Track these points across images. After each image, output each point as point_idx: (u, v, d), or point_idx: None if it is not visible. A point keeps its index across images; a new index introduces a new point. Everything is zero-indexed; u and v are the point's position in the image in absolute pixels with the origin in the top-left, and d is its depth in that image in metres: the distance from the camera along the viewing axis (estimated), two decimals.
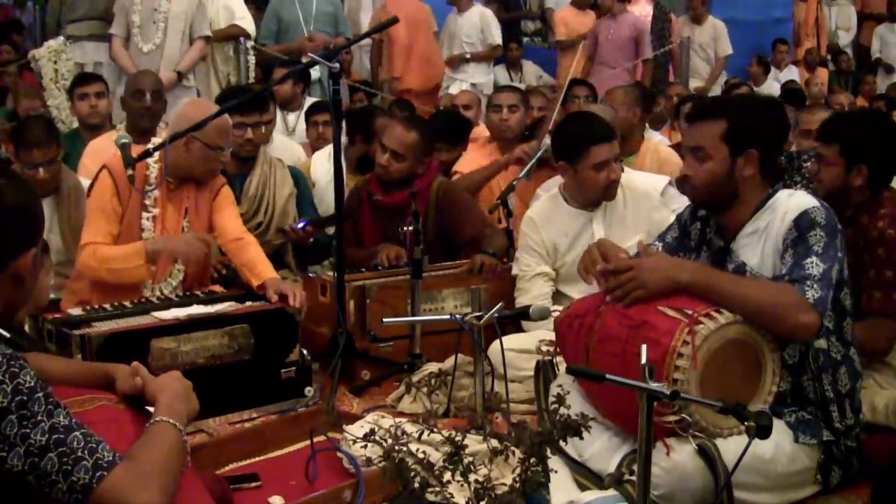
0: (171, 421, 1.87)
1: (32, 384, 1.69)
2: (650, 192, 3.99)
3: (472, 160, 5.26)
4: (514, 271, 3.98)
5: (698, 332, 2.49)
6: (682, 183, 2.95)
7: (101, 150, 4.72)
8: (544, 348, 3.20)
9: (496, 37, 8.39)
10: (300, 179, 4.73)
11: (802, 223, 2.65)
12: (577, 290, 3.67)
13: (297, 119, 6.30)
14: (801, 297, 2.55)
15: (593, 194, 3.86)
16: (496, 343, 3.05)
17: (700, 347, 2.48)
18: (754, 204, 2.79)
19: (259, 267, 3.71)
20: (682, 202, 4.29)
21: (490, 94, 6.05)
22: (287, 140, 5.65)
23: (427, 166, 4.37)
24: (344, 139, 4.62)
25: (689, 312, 2.54)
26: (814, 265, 2.59)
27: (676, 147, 5.62)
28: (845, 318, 2.79)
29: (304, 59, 6.65)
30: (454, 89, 8.00)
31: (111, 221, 3.71)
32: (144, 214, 3.77)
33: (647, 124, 5.51)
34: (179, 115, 3.84)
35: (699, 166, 2.81)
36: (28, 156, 4.45)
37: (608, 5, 8.51)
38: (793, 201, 2.73)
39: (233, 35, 6.66)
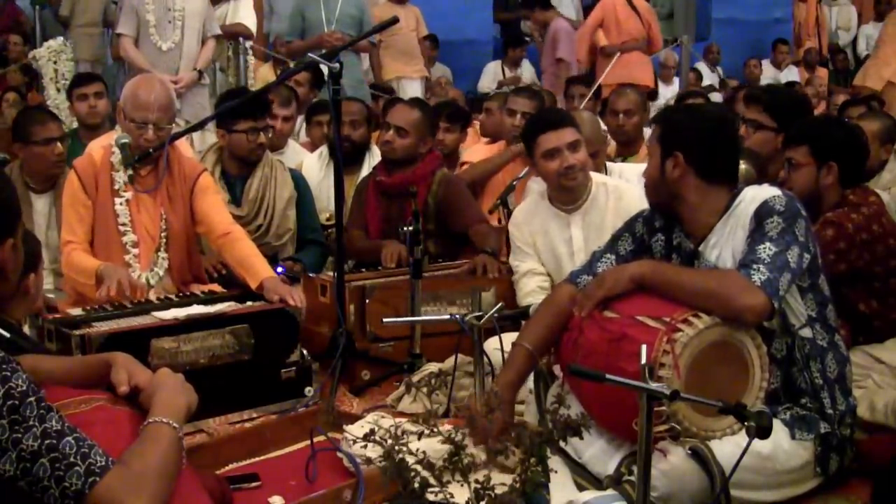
0: (166, 421, 1.85)
1: (24, 388, 1.67)
2: (640, 195, 3.90)
3: (479, 156, 5.27)
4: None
5: (677, 341, 2.46)
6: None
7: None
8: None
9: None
10: (301, 182, 4.71)
11: (761, 212, 2.66)
12: None
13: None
14: (744, 280, 2.54)
15: (555, 187, 3.80)
16: (495, 341, 3.05)
17: (681, 355, 2.45)
18: (720, 207, 2.77)
19: (254, 265, 3.68)
20: None
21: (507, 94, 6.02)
22: (300, 148, 5.63)
23: (429, 147, 4.46)
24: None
25: (667, 320, 2.51)
26: (764, 249, 2.59)
27: None
28: (827, 305, 2.79)
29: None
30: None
31: (82, 218, 3.82)
32: (117, 200, 3.79)
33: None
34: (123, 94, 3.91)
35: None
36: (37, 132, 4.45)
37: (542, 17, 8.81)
38: (757, 194, 2.73)
39: (236, 33, 6.65)
